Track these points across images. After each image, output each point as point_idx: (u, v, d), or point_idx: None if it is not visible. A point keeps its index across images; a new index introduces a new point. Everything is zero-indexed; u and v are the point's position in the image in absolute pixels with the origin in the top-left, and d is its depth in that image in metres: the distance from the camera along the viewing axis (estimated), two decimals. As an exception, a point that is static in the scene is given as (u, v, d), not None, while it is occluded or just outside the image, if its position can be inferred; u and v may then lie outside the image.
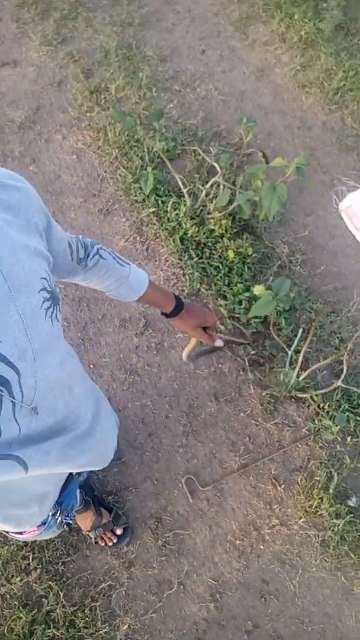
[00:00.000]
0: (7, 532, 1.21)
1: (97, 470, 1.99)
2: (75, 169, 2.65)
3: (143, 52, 3.10)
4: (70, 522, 1.30)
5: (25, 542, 1.86)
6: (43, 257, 0.82)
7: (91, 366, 2.18)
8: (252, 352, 2.23)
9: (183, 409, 2.13)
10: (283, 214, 2.61)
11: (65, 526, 1.29)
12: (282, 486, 2.04)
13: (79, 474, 1.31)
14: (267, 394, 2.16)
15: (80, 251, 1.04)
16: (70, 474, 1.26)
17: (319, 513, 2.00)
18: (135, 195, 2.53)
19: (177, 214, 2.44)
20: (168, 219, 2.46)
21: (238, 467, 2.06)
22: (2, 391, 0.68)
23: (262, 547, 1.95)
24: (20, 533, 1.21)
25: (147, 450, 2.05)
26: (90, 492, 1.93)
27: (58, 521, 1.27)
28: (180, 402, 2.14)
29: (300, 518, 2.00)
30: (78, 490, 1.78)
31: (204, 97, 2.95)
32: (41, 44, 3.11)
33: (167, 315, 1.30)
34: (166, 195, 2.52)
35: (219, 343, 1.38)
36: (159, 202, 2.49)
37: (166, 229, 2.44)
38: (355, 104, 3.02)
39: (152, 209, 2.47)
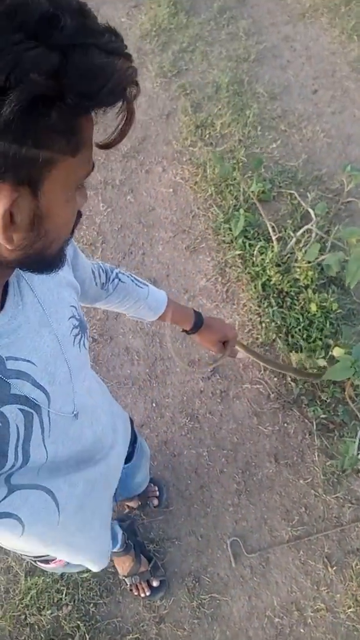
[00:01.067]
0: (35, 561, 1.11)
1: (143, 515, 1.88)
2: (169, 203, 2.56)
3: (254, 88, 2.96)
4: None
5: (61, 575, 1.79)
6: (72, 287, 0.83)
7: (154, 404, 2.07)
8: (323, 416, 2.00)
9: (239, 466, 1.95)
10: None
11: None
12: (334, 568, 1.80)
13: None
14: (331, 464, 1.93)
15: (102, 276, 1.04)
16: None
17: (371, 606, 1.75)
18: (224, 236, 2.39)
19: (262, 259, 2.27)
20: (253, 263, 2.29)
21: (289, 538, 1.85)
22: (33, 415, 0.66)
23: (302, 630, 1.73)
24: (47, 562, 1.10)
25: (197, 502, 1.90)
26: (133, 536, 1.82)
27: None
28: (238, 457, 1.96)
29: (350, 607, 1.75)
30: (120, 532, 1.68)
31: (309, 138, 2.75)
32: (157, 75, 3.07)
33: (187, 332, 1.24)
34: (254, 239, 2.35)
35: (240, 355, 1.35)
36: (247, 245, 2.33)
37: (249, 273, 2.28)
38: None
39: (238, 252, 2.32)
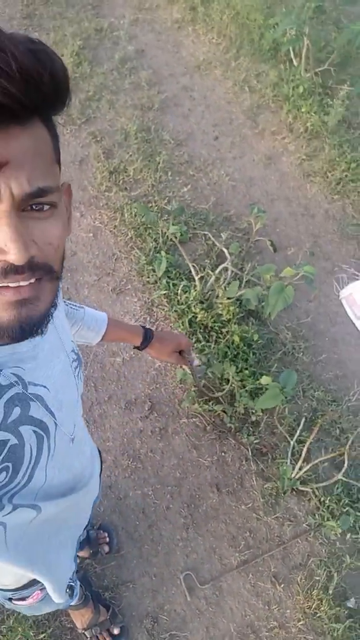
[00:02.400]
0: (10, 600, 1.02)
1: (95, 564, 1.79)
2: (91, 247, 2.51)
3: (161, 135, 3.02)
4: (73, 585, 1.08)
5: (26, 616, 1.64)
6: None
7: (95, 449, 2.00)
8: (255, 441, 2.05)
9: (185, 500, 1.93)
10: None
11: (67, 590, 1.08)
12: (282, 585, 1.83)
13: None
14: (268, 486, 1.98)
15: None
16: None
17: (318, 615, 1.79)
18: (148, 277, 2.39)
19: (187, 297, 2.30)
20: (178, 301, 2.31)
21: (237, 563, 1.85)
22: (44, 438, 0.67)
23: (259, 651, 1.74)
24: (23, 599, 1.01)
25: (147, 542, 1.85)
26: (89, 587, 1.72)
27: None
28: (182, 492, 1.95)
29: (299, 620, 1.78)
30: (78, 584, 1.57)
31: (215, 182, 2.85)
32: (66, 122, 3.03)
33: (139, 348, 1.22)
34: (177, 279, 2.38)
35: (196, 363, 1.33)
36: (170, 284, 2.35)
37: (176, 311, 2.30)
38: (356, 195, 2.92)
39: (163, 291, 2.33)
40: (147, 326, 2.10)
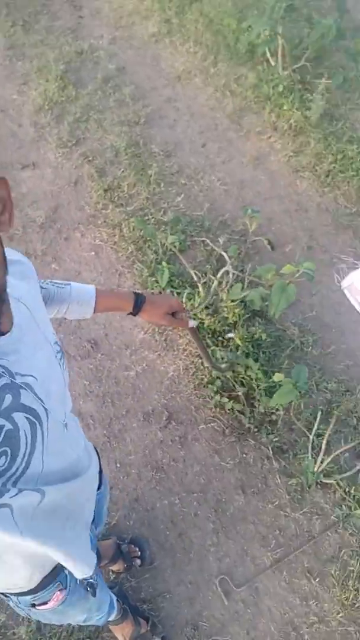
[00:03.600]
0: (34, 605, 0.98)
1: (130, 578, 1.74)
2: (94, 265, 2.47)
3: (150, 148, 2.97)
4: (93, 582, 1.02)
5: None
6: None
7: (118, 465, 1.95)
8: (275, 440, 2.00)
9: (211, 505, 1.88)
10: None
11: (88, 588, 1.02)
12: (317, 580, 1.78)
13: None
14: (292, 482, 1.92)
15: None
16: None
17: (356, 605, 1.73)
18: (152, 288, 2.34)
19: (192, 304, 2.25)
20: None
21: (270, 562, 1.80)
22: (36, 425, 0.68)
23: (301, 648, 1.68)
24: (45, 602, 0.98)
25: (179, 551, 1.80)
26: (126, 600, 1.68)
27: (78, 580, 0.99)
28: (208, 497, 1.89)
29: (339, 613, 1.72)
30: (115, 598, 1.52)
31: (207, 188, 2.80)
32: (57, 146, 2.98)
33: (132, 314, 1.18)
34: (181, 287, 2.32)
35: (192, 324, 1.27)
36: (174, 293, 2.30)
37: (182, 319, 2.24)
38: (346, 185, 2.85)
39: (168, 301, 2.27)
40: (157, 336, 2.05)
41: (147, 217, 2.60)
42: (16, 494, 0.65)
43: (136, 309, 1.16)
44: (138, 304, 1.16)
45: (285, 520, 1.87)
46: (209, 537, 1.82)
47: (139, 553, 1.74)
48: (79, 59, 3.45)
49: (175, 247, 2.24)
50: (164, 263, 2.27)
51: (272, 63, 3.31)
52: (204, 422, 2.04)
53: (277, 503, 1.89)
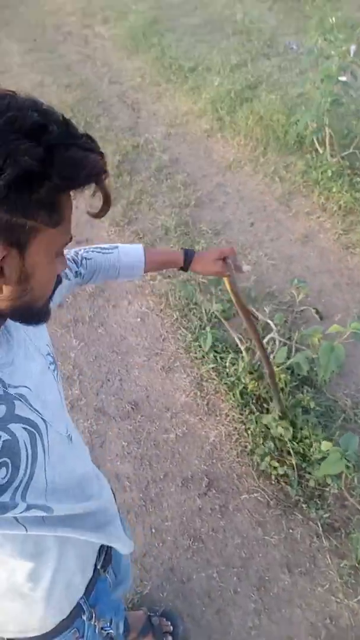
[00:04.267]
0: None
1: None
2: (139, 330, 2.68)
3: (199, 227, 3.30)
4: (111, 631, 1.02)
5: None
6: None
7: (153, 530, 1.97)
8: (325, 515, 1.96)
9: (253, 582, 1.83)
10: (342, 366, 2.49)
11: (106, 636, 1.01)
12: None
13: (105, 570, 1.06)
14: (345, 564, 1.85)
15: (72, 268, 1.12)
16: (96, 571, 1.02)
17: None
18: (195, 353, 2.50)
19: (235, 369, 2.37)
20: (227, 374, 2.38)
21: (321, 656, 1.69)
22: (36, 436, 0.71)
23: None
24: None
25: (216, 630, 1.73)
26: None
27: (97, 630, 0.99)
28: (250, 573, 1.85)
29: None
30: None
31: (255, 262, 3.04)
32: (110, 224, 3.39)
33: (183, 269, 1.28)
34: (224, 352, 2.47)
35: (245, 268, 1.36)
36: (218, 358, 2.44)
37: (225, 383, 2.36)
38: None
39: (211, 365, 2.41)
40: (199, 399, 2.16)
41: (195, 283, 2.84)
42: (24, 510, 0.69)
43: (187, 262, 1.26)
44: (189, 255, 1.26)
45: (337, 607, 1.78)
46: (250, 618, 1.75)
47: (172, 628, 1.70)
48: (134, 152, 4.01)
49: (220, 314, 2.42)
50: (207, 328, 2.45)
51: (320, 151, 3.71)
52: (247, 492, 2.06)
53: (327, 587, 1.82)
